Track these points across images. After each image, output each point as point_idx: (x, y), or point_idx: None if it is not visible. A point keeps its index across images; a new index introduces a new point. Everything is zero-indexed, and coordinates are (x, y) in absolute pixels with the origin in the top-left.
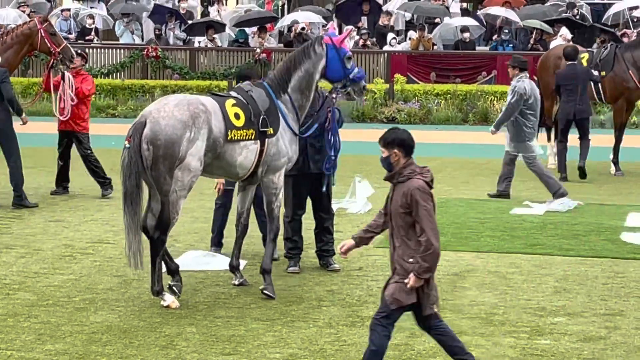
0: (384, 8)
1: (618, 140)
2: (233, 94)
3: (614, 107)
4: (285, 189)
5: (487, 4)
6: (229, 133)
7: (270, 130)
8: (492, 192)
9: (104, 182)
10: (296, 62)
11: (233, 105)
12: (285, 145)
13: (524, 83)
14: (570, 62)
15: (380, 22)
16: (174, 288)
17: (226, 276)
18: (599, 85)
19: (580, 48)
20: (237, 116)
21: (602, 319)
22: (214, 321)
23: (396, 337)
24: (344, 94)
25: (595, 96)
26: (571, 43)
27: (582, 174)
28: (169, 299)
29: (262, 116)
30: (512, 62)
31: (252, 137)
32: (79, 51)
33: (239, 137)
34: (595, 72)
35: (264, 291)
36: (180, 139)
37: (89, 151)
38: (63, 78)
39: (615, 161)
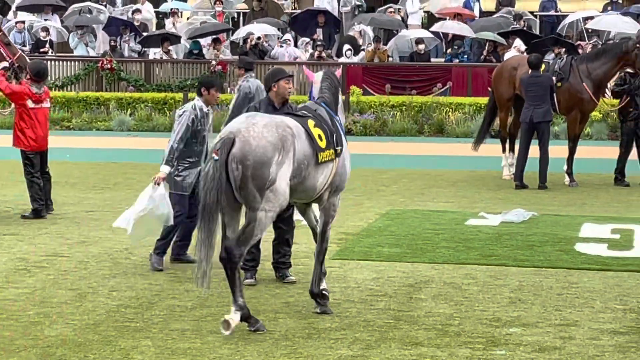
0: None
1: (572, 151)
2: (305, 112)
3: (567, 118)
4: None
5: (440, 13)
6: (319, 156)
7: (339, 150)
8: None
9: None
10: (336, 84)
11: (315, 126)
12: (347, 164)
13: (249, 82)
14: (534, 70)
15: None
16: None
17: (182, 289)
18: (554, 95)
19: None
20: (320, 137)
21: (557, 329)
22: (169, 334)
23: (352, 349)
24: None
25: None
26: (525, 54)
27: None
28: (233, 324)
29: (334, 134)
30: (238, 63)
31: (332, 158)
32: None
33: (325, 159)
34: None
35: (325, 311)
36: (270, 160)
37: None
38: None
39: (570, 172)
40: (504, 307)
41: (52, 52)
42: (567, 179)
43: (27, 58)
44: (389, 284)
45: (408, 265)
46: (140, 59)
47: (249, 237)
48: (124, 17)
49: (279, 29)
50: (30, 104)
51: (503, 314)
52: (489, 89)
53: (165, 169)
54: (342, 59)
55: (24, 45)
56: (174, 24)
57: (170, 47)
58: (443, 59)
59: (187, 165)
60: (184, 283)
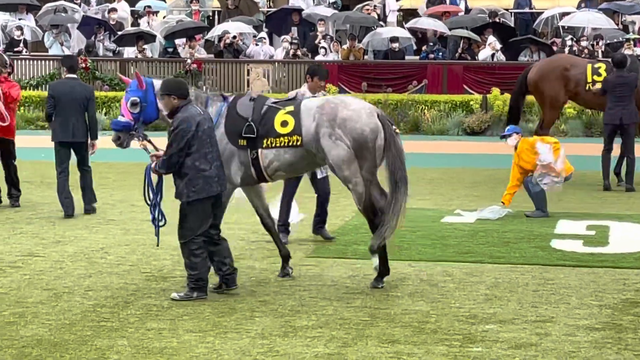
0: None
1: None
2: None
3: None
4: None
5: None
6: None
7: None
8: None
9: (17, 195)
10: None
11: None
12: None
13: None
14: (619, 70)
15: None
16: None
17: (158, 288)
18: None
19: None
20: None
21: (533, 325)
22: (145, 333)
23: (329, 347)
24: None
25: None
26: (569, 55)
27: (619, 179)
28: None
29: None
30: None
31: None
32: (6, 58)
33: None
34: None
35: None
36: None
37: (14, 160)
38: None
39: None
40: (480, 304)
41: (26, 52)
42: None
43: (4, 56)
44: (365, 281)
45: None
46: (115, 58)
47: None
48: (99, 16)
49: (254, 27)
50: None
51: (479, 310)
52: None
53: None
54: (318, 57)
55: None
56: (149, 22)
57: (145, 46)
58: (418, 57)
59: None
60: (159, 282)
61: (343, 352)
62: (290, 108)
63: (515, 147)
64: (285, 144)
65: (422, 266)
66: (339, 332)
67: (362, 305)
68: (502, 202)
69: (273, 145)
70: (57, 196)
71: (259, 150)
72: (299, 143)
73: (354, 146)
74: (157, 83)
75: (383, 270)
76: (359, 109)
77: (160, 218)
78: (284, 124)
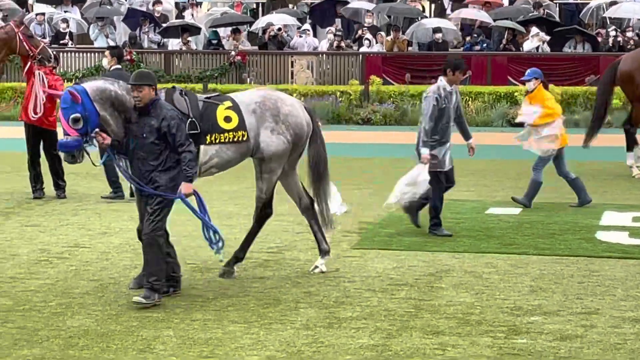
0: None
1: None
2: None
3: None
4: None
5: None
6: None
7: None
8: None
9: (62, 186)
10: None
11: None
12: None
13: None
14: None
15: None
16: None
17: (202, 279)
18: None
19: None
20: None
21: (578, 317)
22: (191, 324)
23: (374, 338)
24: None
25: None
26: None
27: None
28: None
29: None
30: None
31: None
32: (52, 52)
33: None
34: None
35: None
36: None
37: (55, 152)
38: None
39: None
40: (525, 295)
41: (71, 44)
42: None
43: (49, 50)
44: (409, 273)
45: (429, 254)
46: (159, 50)
47: None
48: (144, 9)
49: (298, 19)
50: None
51: (524, 302)
52: (509, 78)
53: (425, 151)
54: (362, 49)
55: (44, 37)
56: (193, 15)
57: (190, 38)
58: (462, 48)
59: (433, 143)
60: (204, 274)
61: (387, 344)
62: (229, 103)
63: (531, 92)
64: (230, 140)
65: (466, 258)
66: (384, 324)
67: (407, 297)
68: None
69: (217, 141)
70: (102, 188)
71: (200, 146)
72: (244, 138)
73: (293, 140)
74: (91, 87)
75: (241, 257)
76: (294, 104)
77: (218, 238)
78: (228, 119)
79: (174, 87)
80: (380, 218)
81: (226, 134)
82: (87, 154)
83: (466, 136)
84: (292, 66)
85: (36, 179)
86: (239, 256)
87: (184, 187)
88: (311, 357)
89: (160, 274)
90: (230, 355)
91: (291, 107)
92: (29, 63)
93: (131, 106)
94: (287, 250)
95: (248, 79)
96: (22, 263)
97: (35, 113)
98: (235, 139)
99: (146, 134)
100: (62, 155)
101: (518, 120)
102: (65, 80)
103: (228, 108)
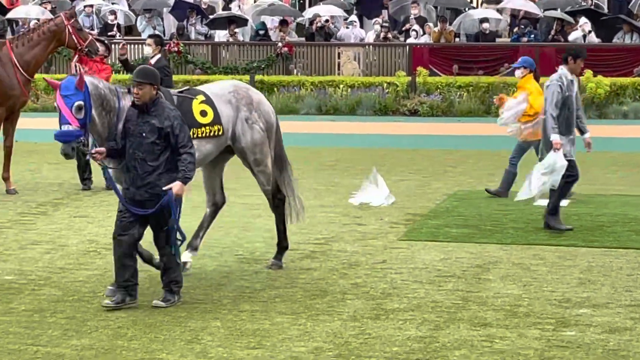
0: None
1: None
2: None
3: None
4: None
5: None
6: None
7: None
8: None
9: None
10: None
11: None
12: None
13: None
14: None
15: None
16: None
17: (250, 270)
18: None
19: None
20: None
21: (627, 310)
22: (238, 315)
23: (421, 330)
24: None
25: None
26: (592, 34)
27: None
28: None
29: None
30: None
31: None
32: (105, 40)
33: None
34: None
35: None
36: None
37: None
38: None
39: None
40: (573, 287)
41: (119, 36)
42: None
43: (97, 43)
44: (457, 264)
45: (476, 246)
46: (207, 42)
47: None
48: (191, 0)
49: (345, 10)
50: None
51: (572, 294)
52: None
53: (556, 137)
54: (409, 40)
55: (92, 29)
56: (239, 6)
57: (237, 30)
58: (509, 39)
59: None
60: (252, 265)
61: (435, 335)
62: (202, 97)
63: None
64: (208, 134)
65: (514, 249)
66: (431, 315)
67: (454, 289)
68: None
69: (195, 136)
70: None
71: None
72: (220, 132)
73: (266, 128)
74: (90, 82)
75: (286, 245)
76: (259, 93)
77: (182, 238)
78: (203, 113)
79: None
80: (428, 209)
81: (204, 129)
82: (87, 147)
83: (582, 130)
84: (338, 57)
85: (84, 169)
86: (284, 245)
87: (178, 187)
88: (358, 348)
89: (180, 279)
90: (277, 347)
91: (260, 96)
92: (76, 55)
93: (115, 107)
94: (334, 242)
95: (295, 71)
96: (71, 254)
97: None
98: (212, 134)
99: (146, 134)
100: (61, 147)
101: (501, 122)
102: (113, 72)
103: (202, 102)
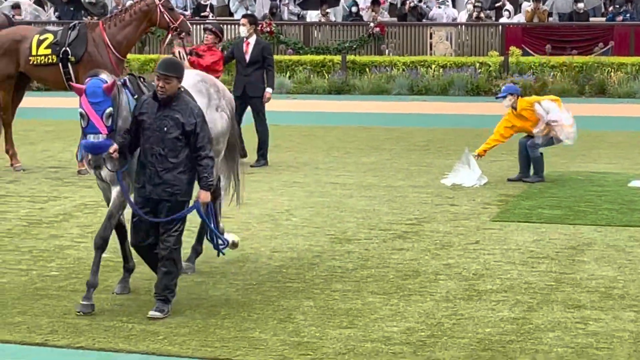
0: None
1: None
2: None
3: None
4: None
5: None
6: None
7: None
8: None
9: None
10: None
11: None
12: None
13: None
14: None
15: None
16: None
17: (342, 250)
18: None
19: None
20: None
21: None
22: (331, 295)
23: (514, 311)
24: None
25: None
26: None
27: None
28: None
29: None
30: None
31: None
32: (212, 28)
33: None
34: None
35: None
36: None
37: None
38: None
39: None
40: None
41: (212, 16)
42: None
43: (188, 23)
44: (550, 246)
45: (570, 227)
46: (299, 22)
47: None
48: None
49: None
50: None
51: None
52: None
53: None
54: (502, 20)
55: (185, 10)
56: None
57: (329, 10)
58: (604, 18)
59: None
60: (344, 244)
61: (528, 317)
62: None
63: (515, 108)
64: None
65: (608, 231)
66: (524, 297)
67: (547, 270)
68: (477, 154)
69: None
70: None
71: None
72: None
73: (230, 115)
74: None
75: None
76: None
77: (223, 242)
78: None
79: (132, 75)
80: (521, 190)
81: None
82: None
83: None
84: (430, 37)
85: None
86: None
87: (203, 195)
88: (451, 328)
89: (175, 288)
90: (369, 326)
91: (222, 83)
92: (169, 35)
93: (117, 102)
94: (426, 222)
95: (387, 51)
96: None
97: None
98: None
99: (168, 128)
100: (90, 158)
101: (552, 120)
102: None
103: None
